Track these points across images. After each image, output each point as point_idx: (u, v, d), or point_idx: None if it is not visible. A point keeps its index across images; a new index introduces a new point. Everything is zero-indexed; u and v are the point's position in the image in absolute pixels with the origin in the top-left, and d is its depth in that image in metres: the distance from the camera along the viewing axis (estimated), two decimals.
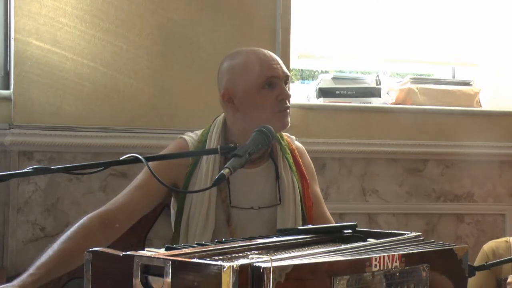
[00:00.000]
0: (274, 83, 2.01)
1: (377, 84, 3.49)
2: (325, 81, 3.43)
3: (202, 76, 2.98)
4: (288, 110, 2.03)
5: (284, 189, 2.05)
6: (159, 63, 2.97)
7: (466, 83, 3.66)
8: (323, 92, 3.41)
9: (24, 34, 2.81)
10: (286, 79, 2.05)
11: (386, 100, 3.57)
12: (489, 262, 1.81)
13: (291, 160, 2.12)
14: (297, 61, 3.53)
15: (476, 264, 2.46)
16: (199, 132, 2.13)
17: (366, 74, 3.70)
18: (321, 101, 3.38)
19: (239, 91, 2.01)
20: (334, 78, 3.44)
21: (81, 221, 1.87)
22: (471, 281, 2.41)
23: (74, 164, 1.63)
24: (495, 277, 2.42)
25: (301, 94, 3.54)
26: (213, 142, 2.05)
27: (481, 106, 3.63)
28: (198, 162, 2.04)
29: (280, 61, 2.06)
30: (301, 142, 2.37)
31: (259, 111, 1.99)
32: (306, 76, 3.93)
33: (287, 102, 2.03)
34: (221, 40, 3.00)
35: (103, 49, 2.90)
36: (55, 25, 2.84)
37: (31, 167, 1.47)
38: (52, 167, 1.55)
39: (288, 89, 2.06)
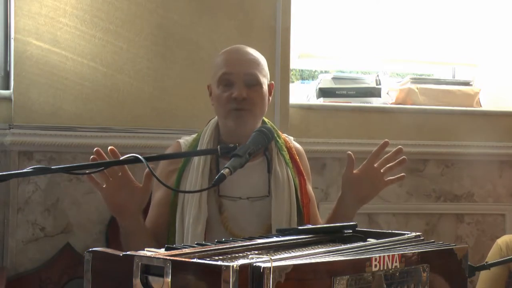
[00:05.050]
0: (230, 81, 2.02)
1: (377, 84, 3.49)
2: (325, 81, 3.43)
3: (202, 76, 2.97)
4: (244, 111, 2.01)
5: (278, 182, 2.06)
6: (159, 63, 2.97)
7: (466, 83, 3.66)
8: (323, 92, 3.41)
9: (24, 34, 2.81)
10: (248, 79, 2.02)
11: (386, 100, 3.57)
12: (489, 262, 1.81)
13: (287, 157, 2.14)
14: (297, 61, 3.54)
15: (489, 256, 2.49)
16: (194, 135, 2.19)
17: (366, 74, 3.70)
18: (321, 101, 3.38)
19: (211, 86, 2.11)
20: (334, 78, 3.44)
21: None
22: (484, 272, 2.44)
23: (74, 164, 1.63)
24: (508, 269, 2.44)
25: (301, 94, 3.55)
26: (205, 141, 2.10)
27: (481, 106, 3.63)
28: (191, 157, 2.10)
29: (250, 61, 2.04)
30: (301, 142, 2.37)
31: (218, 107, 2.06)
32: (306, 76, 3.93)
33: (243, 103, 2.00)
34: (221, 40, 3.00)
35: (103, 49, 2.90)
36: (55, 25, 2.84)
37: (31, 167, 1.47)
38: (52, 167, 1.55)
39: (256, 91, 2.02)
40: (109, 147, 1.77)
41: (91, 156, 1.76)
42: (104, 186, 1.81)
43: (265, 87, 2.08)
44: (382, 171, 2.04)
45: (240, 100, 2.00)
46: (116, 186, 1.81)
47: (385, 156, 2.05)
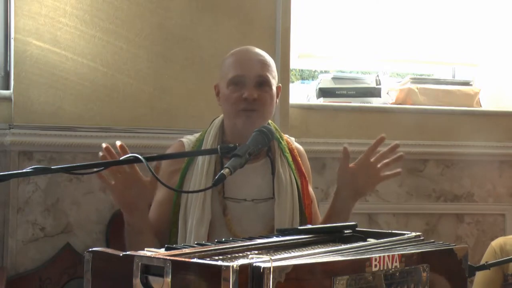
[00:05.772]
0: (241, 82, 2.03)
1: (377, 84, 3.49)
2: (325, 81, 3.43)
3: (202, 76, 2.98)
4: (253, 111, 2.02)
5: (282, 184, 2.07)
6: (159, 63, 2.97)
7: (466, 83, 3.66)
8: (323, 92, 3.41)
9: (24, 34, 2.81)
10: (260, 80, 2.04)
11: (386, 100, 3.57)
12: (489, 262, 1.81)
13: (290, 158, 2.14)
14: (297, 61, 3.53)
15: (484, 258, 2.49)
16: (197, 134, 2.18)
17: (366, 74, 3.70)
18: (321, 101, 3.38)
19: (220, 86, 2.10)
20: (334, 78, 3.44)
21: None
22: (479, 275, 2.44)
23: (74, 164, 1.63)
24: (502, 272, 2.44)
25: (301, 94, 3.54)
26: (209, 141, 2.09)
27: (481, 106, 3.63)
28: (194, 157, 2.09)
29: (261, 63, 2.05)
30: (301, 142, 2.37)
31: (227, 107, 2.06)
32: (306, 76, 3.93)
33: (254, 103, 2.02)
34: (221, 40, 3.00)
35: (103, 49, 2.90)
36: (55, 25, 2.84)
37: (31, 167, 1.47)
38: (52, 167, 1.55)
39: (266, 92, 2.04)
40: (119, 144, 1.77)
41: (100, 153, 1.75)
42: (112, 182, 1.81)
43: (274, 89, 2.09)
44: (378, 166, 2.05)
45: (250, 100, 2.01)
46: (125, 183, 1.81)
47: (381, 151, 2.06)
